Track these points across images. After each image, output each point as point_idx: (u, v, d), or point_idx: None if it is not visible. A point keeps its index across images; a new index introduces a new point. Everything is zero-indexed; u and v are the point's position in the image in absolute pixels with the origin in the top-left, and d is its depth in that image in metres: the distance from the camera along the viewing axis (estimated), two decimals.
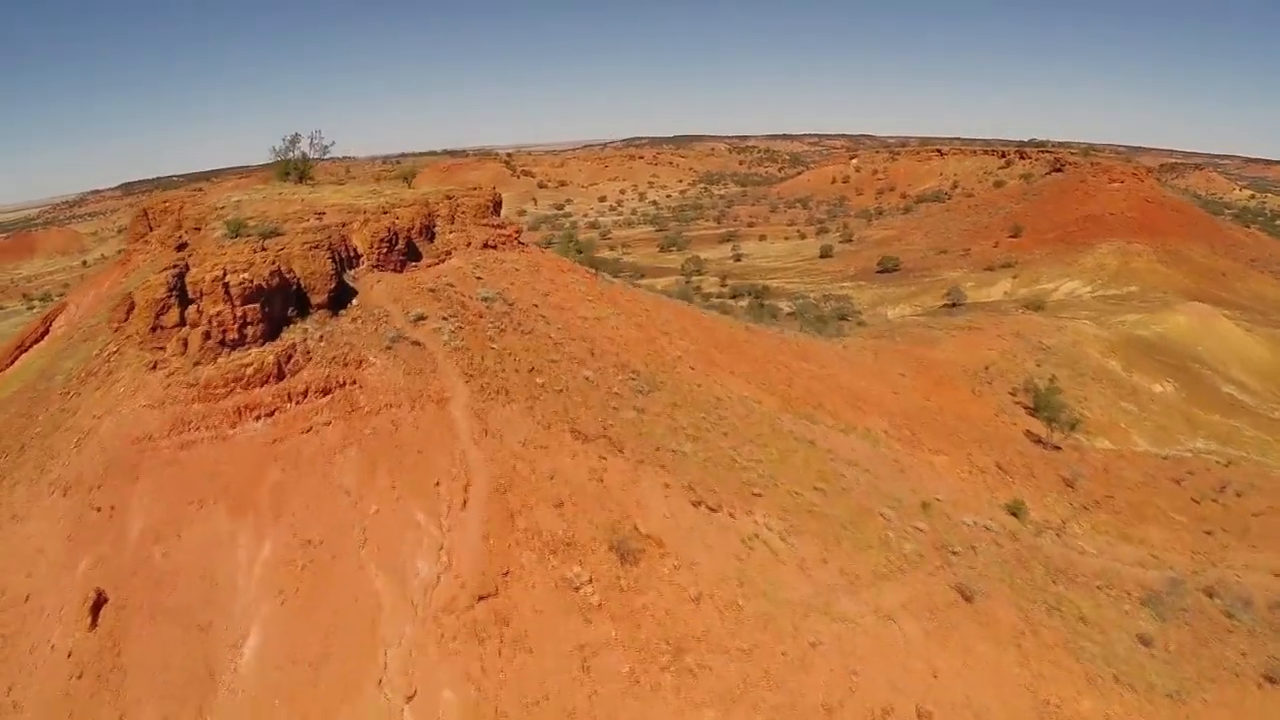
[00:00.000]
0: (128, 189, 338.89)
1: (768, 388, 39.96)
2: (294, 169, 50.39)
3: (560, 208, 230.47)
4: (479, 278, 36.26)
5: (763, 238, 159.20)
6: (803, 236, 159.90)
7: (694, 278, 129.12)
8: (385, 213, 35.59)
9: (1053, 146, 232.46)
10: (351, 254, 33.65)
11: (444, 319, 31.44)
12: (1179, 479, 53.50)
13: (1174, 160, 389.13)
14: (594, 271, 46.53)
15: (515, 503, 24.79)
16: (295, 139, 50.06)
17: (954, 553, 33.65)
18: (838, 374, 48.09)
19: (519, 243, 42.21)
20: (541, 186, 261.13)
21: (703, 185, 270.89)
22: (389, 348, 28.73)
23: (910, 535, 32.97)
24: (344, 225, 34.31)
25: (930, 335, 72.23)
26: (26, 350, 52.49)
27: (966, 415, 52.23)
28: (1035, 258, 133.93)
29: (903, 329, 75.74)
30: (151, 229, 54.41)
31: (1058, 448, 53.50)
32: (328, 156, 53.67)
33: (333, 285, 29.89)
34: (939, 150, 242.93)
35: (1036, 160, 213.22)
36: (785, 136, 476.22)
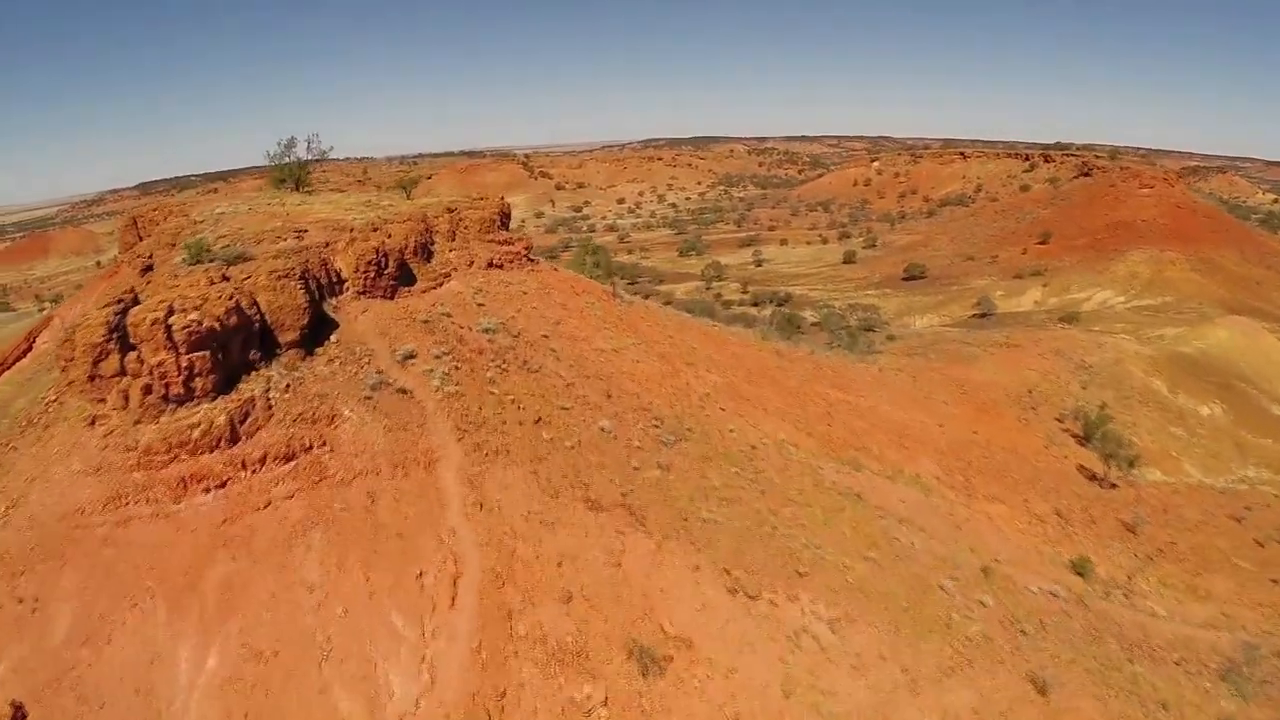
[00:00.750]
0: (146, 188, 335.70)
1: (805, 427, 35.03)
2: (290, 175, 46.04)
3: (578, 210, 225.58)
4: (481, 304, 31.46)
5: (784, 242, 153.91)
6: (825, 241, 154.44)
7: (714, 284, 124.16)
8: (375, 230, 30.88)
9: (1076, 149, 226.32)
10: (334, 279, 28.99)
11: (437, 357, 26.66)
12: (1238, 516, 48.49)
13: (1194, 163, 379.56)
14: (612, 290, 41.67)
15: (515, 599, 20.00)
16: (291, 143, 45.68)
17: (1023, 631, 28.75)
18: (878, 405, 43.06)
19: (528, 259, 37.48)
20: (559, 188, 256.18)
21: (722, 187, 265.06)
22: (368, 398, 23.98)
23: (975, 612, 28.02)
24: (327, 245, 29.65)
25: (967, 353, 67.00)
26: (9, 368, 48.44)
27: (1016, 449, 47.09)
28: (1065, 265, 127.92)
29: (937, 345, 70.45)
30: (141, 239, 50.05)
31: (1114, 485, 48.38)
32: (333, 157, 49.32)
33: (305, 321, 25.18)
34: (961, 153, 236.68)
35: (1062, 164, 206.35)
36: (804, 138, 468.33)
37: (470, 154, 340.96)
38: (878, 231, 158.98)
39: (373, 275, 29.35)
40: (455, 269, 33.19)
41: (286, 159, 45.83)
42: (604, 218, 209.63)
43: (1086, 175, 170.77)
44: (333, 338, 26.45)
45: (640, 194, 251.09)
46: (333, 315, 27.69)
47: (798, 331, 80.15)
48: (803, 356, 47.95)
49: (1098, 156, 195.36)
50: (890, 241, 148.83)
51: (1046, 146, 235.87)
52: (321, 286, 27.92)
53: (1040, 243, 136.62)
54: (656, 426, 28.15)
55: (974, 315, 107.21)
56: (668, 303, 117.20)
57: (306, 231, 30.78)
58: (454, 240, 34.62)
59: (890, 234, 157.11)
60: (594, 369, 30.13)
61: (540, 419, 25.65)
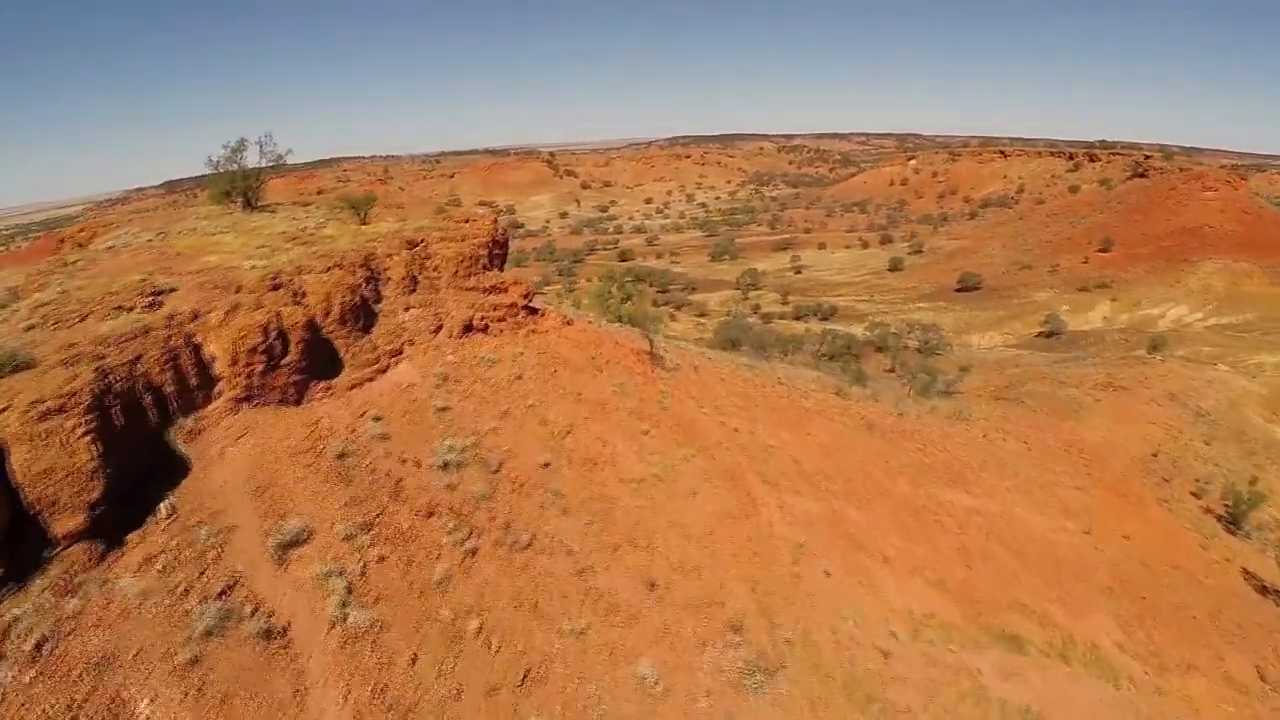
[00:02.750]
0: (171, 186, 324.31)
1: (938, 578, 22.63)
2: (235, 186, 34.11)
3: (604, 210, 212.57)
4: (443, 409, 19.21)
5: (822, 246, 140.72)
6: (865, 245, 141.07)
7: (751, 293, 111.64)
8: (275, 288, 18.74)
9: (1120, 148, 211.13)
10: (200, 377, 17.03)
11: (348, 539, 14.52)
12: None
13: (1229, 161, 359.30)
14: (649, 347, 29.43)
15: None
16: (240, 146, 33.64)
17: None
18: (1009, 508, 30.61)
19: (528, 310, 25.31)
20: (585, 187, 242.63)
21: (752, 186, 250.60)
22: (194, 661, 11.82)
23: None
24: (195, 318, 17.66)
25: (1068, 398, 54.08)
26: None
27: (1180, 562, 34.46)
28: (1132, 276, 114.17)
29: (1028, 385, 57.53)
30: (65, 265, 38.10)
31: None
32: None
33: (97, 492, 13.06)
34: (1001, 151, 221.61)
35: (1109, 163, 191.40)
36: (833, 135, 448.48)
37: (494, 152, 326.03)
38: (921, 235, 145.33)
39: (261, 369, 17.23)
40: (412, 340, 21.00)
41: (233, 166, 33.85)
42: (631, 218, 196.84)
43: (1141, 176, 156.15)
44: (165, 504, 14.36)
45: (668, 193, 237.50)
46: (182, 449, 15.65)
47: (852, 355, 67.13)
48: (894, 425, 35.51)
49: (1147, 156, 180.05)
50: (937, 247, 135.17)
51: (1090, 145, 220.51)
52: (164, 400, 15.87)
53: (1101, 250, 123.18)
54: (735, 644, 15.84)
55: (1040, 334, 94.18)
56: (701, 315, 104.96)
57: (174, 291, 18.75)
58: (414, 292, 22.44)
59: (934, 237, 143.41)
60: (626, 525, 17.86)
61: (529, 673, 13.30)
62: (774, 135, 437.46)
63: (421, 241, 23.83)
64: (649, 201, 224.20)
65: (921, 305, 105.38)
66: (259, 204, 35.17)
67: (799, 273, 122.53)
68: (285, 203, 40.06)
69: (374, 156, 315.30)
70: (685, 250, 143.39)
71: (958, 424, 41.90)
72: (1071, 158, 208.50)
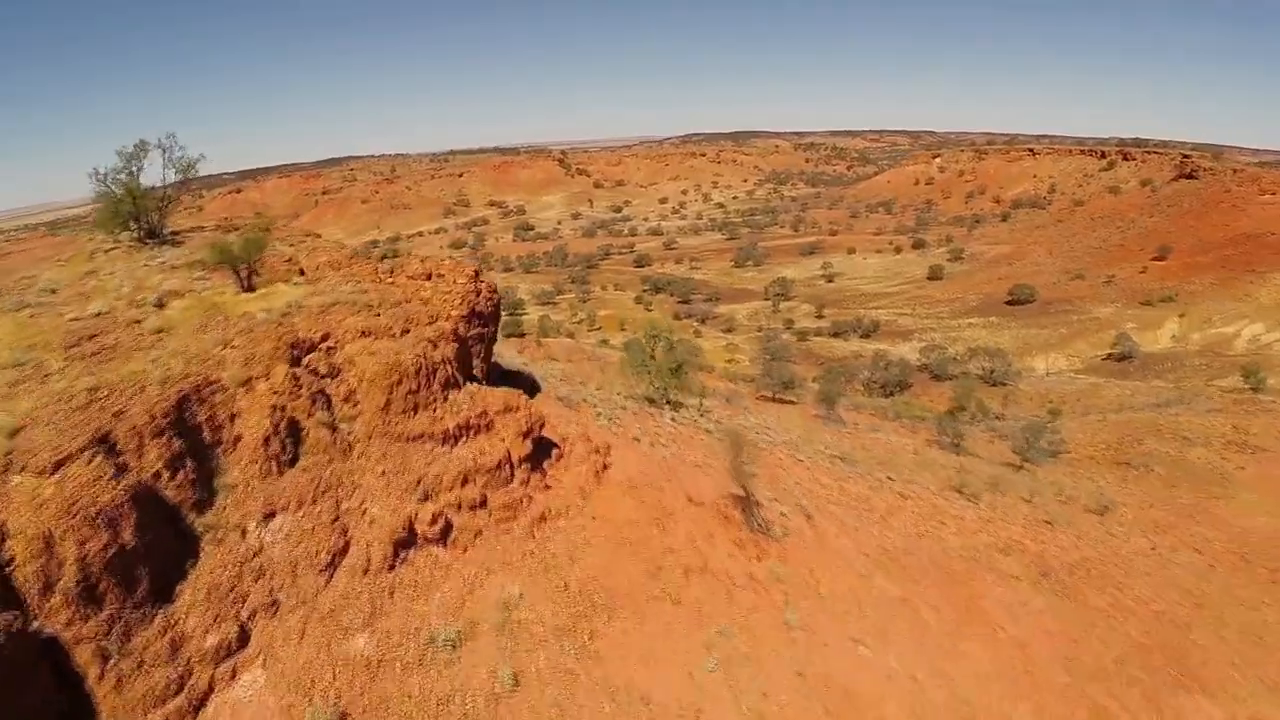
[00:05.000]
0: (180, 187, 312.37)
1: None
2: (124, 210, 22.87)
3: (618, 210, 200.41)
4: None
5: (852, 251, 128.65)
6: (897, 250, 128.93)
7: (781, 304, 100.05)
8: None
9: (1153, 146, 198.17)
10: None
11: None
12: None
13: (1246, 159, 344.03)
14: (744, 491, 17.76)
15: None
16: (139, 150, 22.38)
17: None
18: (1258, 707, 19.41)
19: (532, 459, 13.80)
20: (598, 186, 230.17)
21: (770, 185, 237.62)
22: None
23: None
24: None
25: (1206, 466, 42.28)
26: None
27: None
28: (1196, 289, 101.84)
29: (1148, 444, 45.60)
30: None
31: None
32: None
33: None
34: (1030, 149, 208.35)
35: (1144, 162, 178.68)
36: (846, 133, 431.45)
37: (504, 150, 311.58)
38: (956, 239, 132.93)
39: None
40: (274, 602, 9.61)
41: (126, 177, 22.52)
42: (646, 219, 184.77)
43: (1189, 177, 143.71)
44: None
45: (684, 193, 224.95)
46: None
47: (948, 417, 55.13)
48: (1061, 561, 24.22)
49: (1186, 156, 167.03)
50: (976, 253, 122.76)
51: (1122, 142, 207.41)
52: None
53: (1157, 259, 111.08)
54: None
55: (1109, 356, 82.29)
56: (728, 330, 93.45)
57: None
58: (294, 464, 11.08)
59: (970, 242, 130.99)
60: None
61: None
62: (786, 133, 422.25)
63: (323, 340, 12.42)
64: (664, 201, 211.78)
65: (971, 321, 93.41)
66: (164, 231, 24.20)
67: (831, 281, 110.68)
68: (210, 226, 28.51)
69: (382, 155, 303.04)
70: (706, 255, 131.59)
71: (1113, 525, 30.46)
72: (1104, 156, 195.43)
